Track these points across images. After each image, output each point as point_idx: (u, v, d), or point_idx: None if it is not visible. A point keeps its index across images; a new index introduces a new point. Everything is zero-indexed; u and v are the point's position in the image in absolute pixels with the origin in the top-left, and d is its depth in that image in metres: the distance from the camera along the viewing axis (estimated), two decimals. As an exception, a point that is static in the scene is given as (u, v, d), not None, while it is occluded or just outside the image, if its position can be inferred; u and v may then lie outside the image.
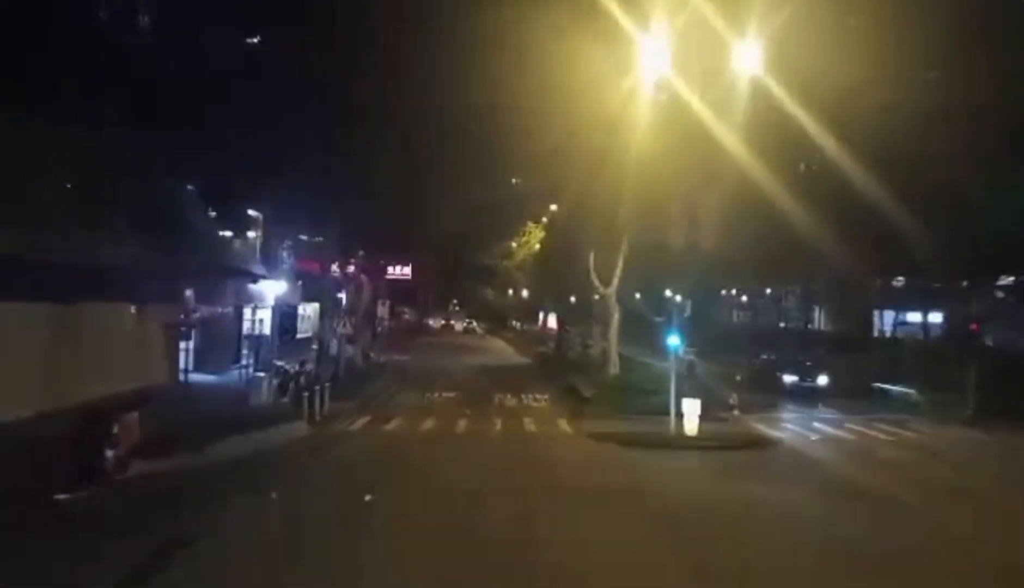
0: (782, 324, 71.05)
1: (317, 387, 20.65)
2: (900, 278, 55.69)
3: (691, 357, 21.51)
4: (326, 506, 11.65)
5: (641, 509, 12.01)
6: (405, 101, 23.22)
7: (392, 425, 20.03)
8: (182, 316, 16.93)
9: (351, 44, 21.63)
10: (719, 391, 22.47)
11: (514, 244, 52.64)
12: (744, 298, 77.57)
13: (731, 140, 18.99)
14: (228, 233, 34.11)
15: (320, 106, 22.73)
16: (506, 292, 76.70)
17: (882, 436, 19.97)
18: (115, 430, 13.41)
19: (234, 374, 26.50)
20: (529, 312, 74.92)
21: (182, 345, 28.85)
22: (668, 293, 22.17)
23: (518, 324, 79.29)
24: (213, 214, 30.94)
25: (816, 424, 21.48)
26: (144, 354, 21.57)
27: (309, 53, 21.72)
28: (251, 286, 34.91)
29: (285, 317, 42.59)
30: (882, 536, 10.71)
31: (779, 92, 18.77)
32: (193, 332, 17.18)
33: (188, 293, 16.63)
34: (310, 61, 21.89)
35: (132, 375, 21.26)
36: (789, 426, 21.01)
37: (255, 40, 24.62)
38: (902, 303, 56.44)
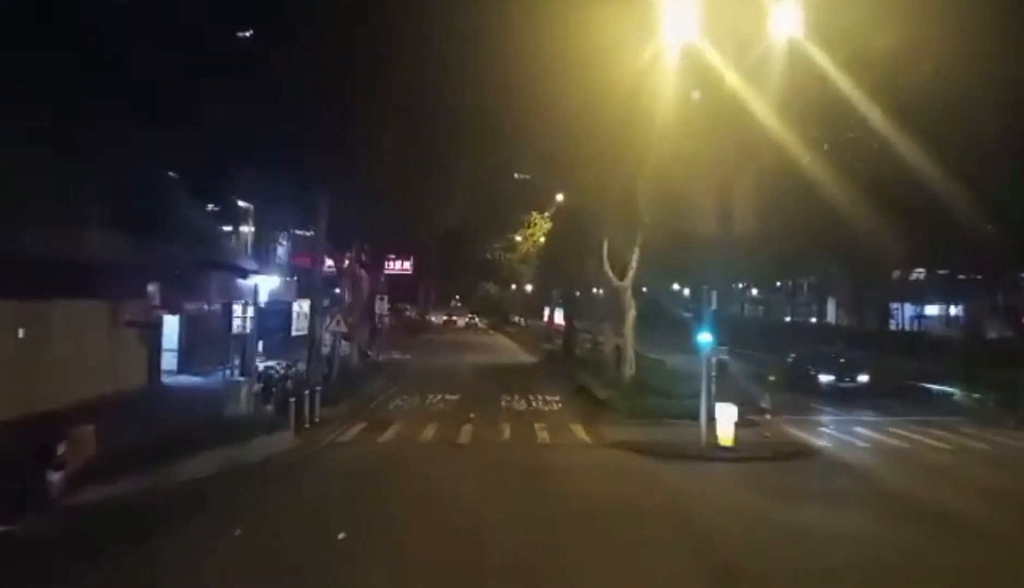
0: (788, 318, 69.18)
1: (306, 391, 18.65)
2: (920, 270, 53.86)
3: (723, 356, 19.40)
4: (302, 543, 9.64)
5: (687, 545, 9.98)
6: (405, 86, 21.34)
7: (389, 434, 18.00)
8: (153, 313, 14.81)
9: (350, 27, 19.80)
10: (751, 392, 20.39)
11: (518, 237, 50.54)
12: (755, 291, 75.51)
13: (766, 112, 16.89)
14: (216, 226, 32.27)
15: (317, 92, 20.91)
16: (509, 287, 74.77)
17: (935, 442, 17.95)
18: (61, 449, 11.42)
19: (221, 376, 24.55)
20: (533, 307, 73.00)
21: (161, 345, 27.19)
22: (691, 285, 20.11)
23: (521, 320, 77.28)
24: (201, 205, 29.14)
25: (857, 428, 19.44)
26: (115, 356, 19.56)
27: (307, 40, 20.09)
28: (241, 281, 33.00)
29: (278, 315, 40.67)
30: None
31: (821, 58, 16.68)
32: (160, 332, 14.98)
33: (151, 288, 14.57)
34: (308, 47, 20.27)
35: (98, 380, 19.33)
36: (829, 431, 18.96)
37: (247, 33, 23.49)
38: (921, 296, 54.51)
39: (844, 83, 16.73)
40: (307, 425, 18.11)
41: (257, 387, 18.19)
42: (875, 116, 17.16)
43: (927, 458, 16.48)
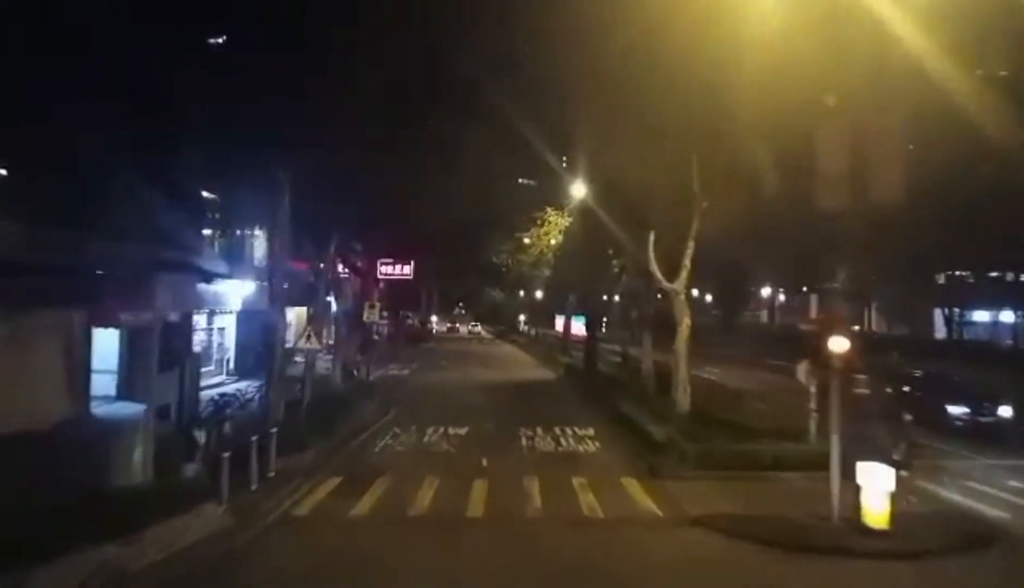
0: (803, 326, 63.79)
1: (254, 438, 13.33)
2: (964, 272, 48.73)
3: (862, 389, 13.97)
4: None
5: None
6: (406, 70, 16.63)
7: (368, 499, 12.62)
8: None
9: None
10: (855, 430, 14.98)
11: (527, 239, 45.27)
12: (782, 297, 69.79)
13: (911, 35, 11.55)
14: (172, 218, 27.14)
15: (310, 77, 16.22)
16: (516, 293, 69.63)
17: None
18: None
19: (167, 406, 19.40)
20: (542, 315, 67.98)
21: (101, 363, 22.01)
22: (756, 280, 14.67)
23: (532, 329, 71.99)
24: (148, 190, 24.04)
25: (1015, 483, 14.04)
26: (14, 381, 14.20)
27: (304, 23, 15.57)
28: (205, 287, 27.85)
29: (257, 326, 35.46)
30: None
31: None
32: None
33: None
34: (305, 31, 15.84)
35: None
36: (986, 490, 13.42)
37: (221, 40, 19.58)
38: (983, 300, 49.30)
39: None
40: (254, 486, 12.83)
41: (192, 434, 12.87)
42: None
43: None
